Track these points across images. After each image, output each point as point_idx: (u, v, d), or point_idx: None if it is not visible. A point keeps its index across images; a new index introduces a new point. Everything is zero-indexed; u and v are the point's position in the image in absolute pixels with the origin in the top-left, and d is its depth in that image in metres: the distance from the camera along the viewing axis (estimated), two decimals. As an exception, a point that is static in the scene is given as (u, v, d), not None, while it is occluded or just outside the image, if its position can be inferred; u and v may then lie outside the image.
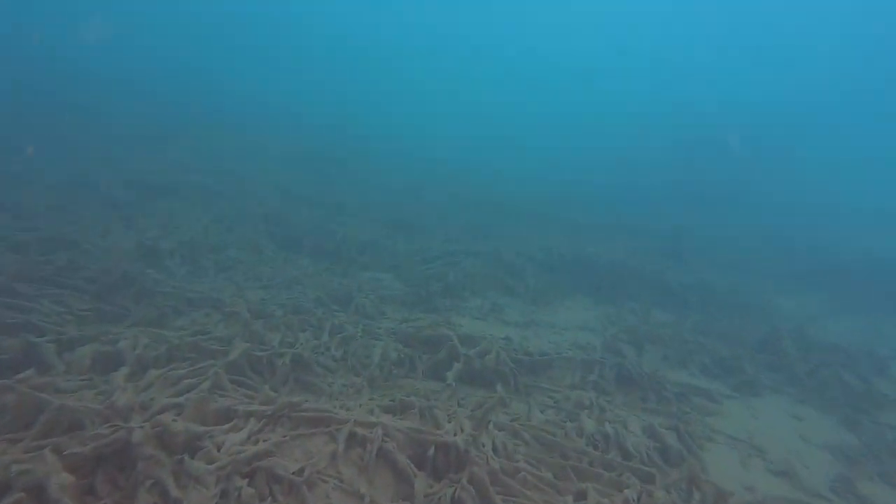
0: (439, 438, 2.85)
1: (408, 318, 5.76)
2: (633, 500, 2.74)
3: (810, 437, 4.29)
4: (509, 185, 16.25)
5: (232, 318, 3.90)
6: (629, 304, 6.80)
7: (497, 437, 3.22)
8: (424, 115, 32.03)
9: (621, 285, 7.19)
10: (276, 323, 4.53)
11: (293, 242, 7.68)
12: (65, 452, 2.00)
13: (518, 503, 2.60)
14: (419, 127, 28.08)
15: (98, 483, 2.02)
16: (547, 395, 4.37)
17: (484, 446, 3.03)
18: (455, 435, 3.03)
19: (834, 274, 10.05)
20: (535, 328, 6.08)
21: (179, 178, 8.42)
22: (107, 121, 11.74)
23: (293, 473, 2.36)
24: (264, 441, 2.56)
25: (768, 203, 17.02)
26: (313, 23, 52.07)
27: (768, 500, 3.25)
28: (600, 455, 3.18)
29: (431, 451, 2.75)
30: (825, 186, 22.32)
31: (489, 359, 4.63)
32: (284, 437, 2.66)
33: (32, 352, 2.80)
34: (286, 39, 47.31)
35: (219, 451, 2.29)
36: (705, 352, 5.28)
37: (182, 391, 2.79)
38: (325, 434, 2.77)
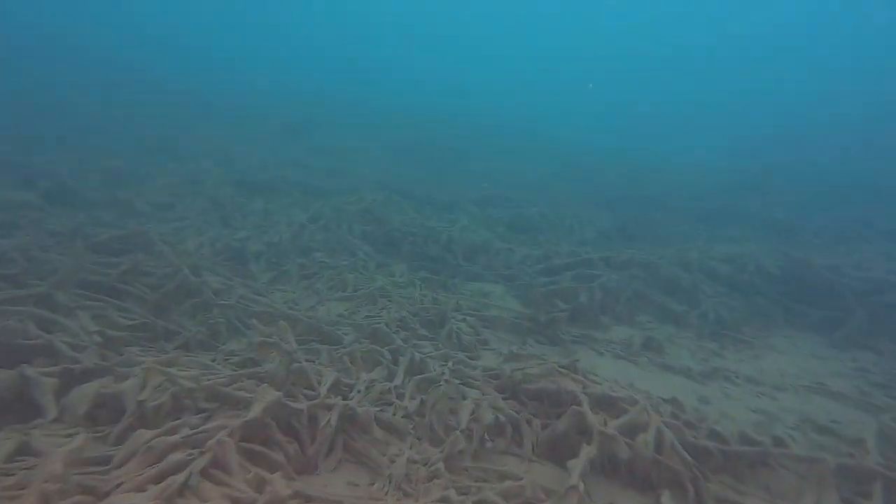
0: None
1: (517, 355, 4.47)
2: None
3: None
4: (669, 174, 13.41)
5: (270, 349, 3.18)
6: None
7: None
8: (556, 101, 29.78)
9: (885, 321, 4.61)
10: (338, 354, 3.74)
11: (391, 245, 7.06)
12: None
13: None
14: (551, 113, 26.06)
15: None
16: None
17: None
18: None
19: None
20: (723, 383, 4.14)
21: (288, 175, 8.66)
22: (241, 118, 13.15)
23: None
24: None
25: None
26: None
27: None
28: None
29: None
30: None
31: (644, 441, 3.06)
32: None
33: (27, 389, 2.40)
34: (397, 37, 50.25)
35: None
36: None
37: (160, 475, 2.04)
38: None
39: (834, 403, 3.73)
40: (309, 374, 3.15)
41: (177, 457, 2.14)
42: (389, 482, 2.73)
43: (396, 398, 3.45)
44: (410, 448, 3.02)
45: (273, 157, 10.20)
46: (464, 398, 3.59)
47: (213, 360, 3.36)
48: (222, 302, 3.92)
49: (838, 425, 3.40)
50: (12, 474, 1.95)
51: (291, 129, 13.59)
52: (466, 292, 6.10)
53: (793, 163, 14.19)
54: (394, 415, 3.26)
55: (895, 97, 22.66)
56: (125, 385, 2.53)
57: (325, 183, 8.86)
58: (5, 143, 8.32)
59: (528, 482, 2.86)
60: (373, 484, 2.73)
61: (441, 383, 3.64)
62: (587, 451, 2.97)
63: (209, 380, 2.72)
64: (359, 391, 3.25)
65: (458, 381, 3.78)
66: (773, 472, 2.93)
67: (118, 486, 1.97)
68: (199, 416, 2.56)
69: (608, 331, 5.08)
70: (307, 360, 3.69)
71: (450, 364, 3.98)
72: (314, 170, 9.78)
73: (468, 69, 37.63)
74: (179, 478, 1.98)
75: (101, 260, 3.75)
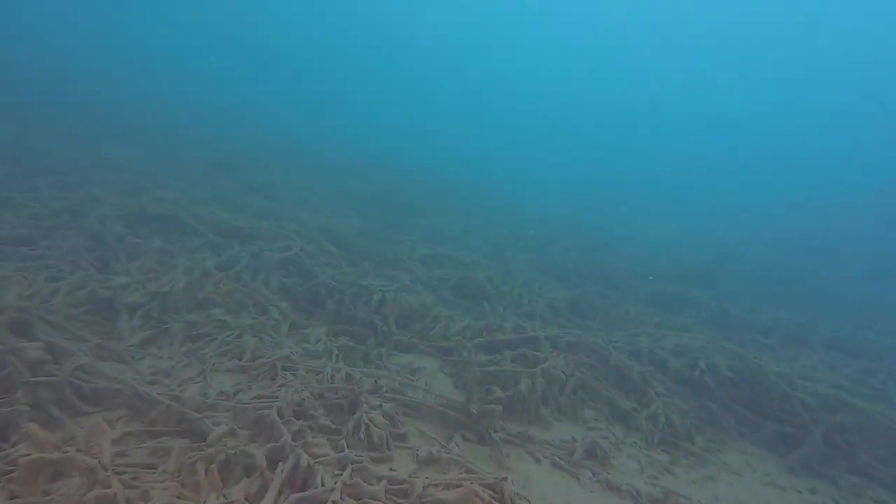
0: None
1: (436, 458, 3.71)
2: None
3: None
4: (626, 251, 13.60)
5: (57, 466, 2.26)
6: (872, 491, 3.89)
7: None
8: (528, 160, 30.58)
9: (843, 445, 4.29)
10: (192, 458, 2.82)
11: (313, 303, 6.23)
12: None
13: None
14: (522, 174, 26.46)
15: None
16: None
17: None
18: None
19: None
20: (675, 513, 3.54)
21: (206, 212, 7.75)
22: (173, 143, 12.11)
23: None
24: None
25: None
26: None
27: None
28: None
29: None
30: None
31: None
32: None
33: None
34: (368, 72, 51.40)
35: None
36: None
37: None
38: None
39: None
40: (131, 494, 2.24)
41: None
42: None
43: (258, 531, 2.57)
44: None
45: (195, 190, 9.24)
46: (354, 530, 2.77)
47: (-14, 471, 2.37)
48: (39, 378, 2.94)
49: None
50: None
51: (227, 161, 12.68)
52: (392, 367, 5.33)
53: (744, 253, 14.96)
54: (246, 562, 2.37)
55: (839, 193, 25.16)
56: None
57: (251, 225, 8.01)
58: None
59: None
60: None
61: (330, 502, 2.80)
62: None
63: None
64: (197, 526, 2.35)
65: (352, 503, 2.95)
66: None
67: None
68: None
69: (549, 428, 4.44)
70: (144, 469, 2.76)
71: (347, 473, 3.14)
72: (243, 209, 8.92)
73: (447, 123, 38.40)
74: None
75: None
